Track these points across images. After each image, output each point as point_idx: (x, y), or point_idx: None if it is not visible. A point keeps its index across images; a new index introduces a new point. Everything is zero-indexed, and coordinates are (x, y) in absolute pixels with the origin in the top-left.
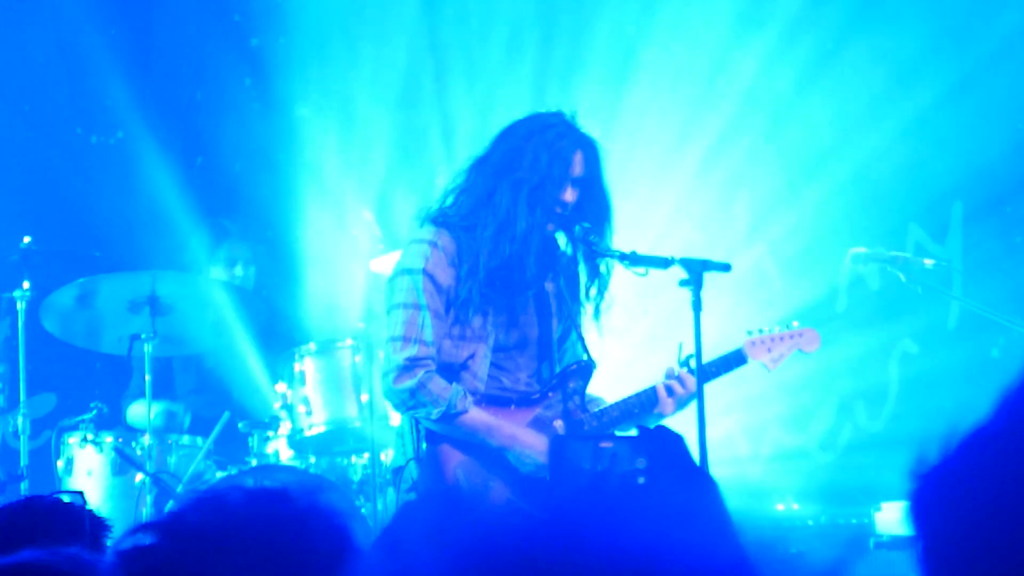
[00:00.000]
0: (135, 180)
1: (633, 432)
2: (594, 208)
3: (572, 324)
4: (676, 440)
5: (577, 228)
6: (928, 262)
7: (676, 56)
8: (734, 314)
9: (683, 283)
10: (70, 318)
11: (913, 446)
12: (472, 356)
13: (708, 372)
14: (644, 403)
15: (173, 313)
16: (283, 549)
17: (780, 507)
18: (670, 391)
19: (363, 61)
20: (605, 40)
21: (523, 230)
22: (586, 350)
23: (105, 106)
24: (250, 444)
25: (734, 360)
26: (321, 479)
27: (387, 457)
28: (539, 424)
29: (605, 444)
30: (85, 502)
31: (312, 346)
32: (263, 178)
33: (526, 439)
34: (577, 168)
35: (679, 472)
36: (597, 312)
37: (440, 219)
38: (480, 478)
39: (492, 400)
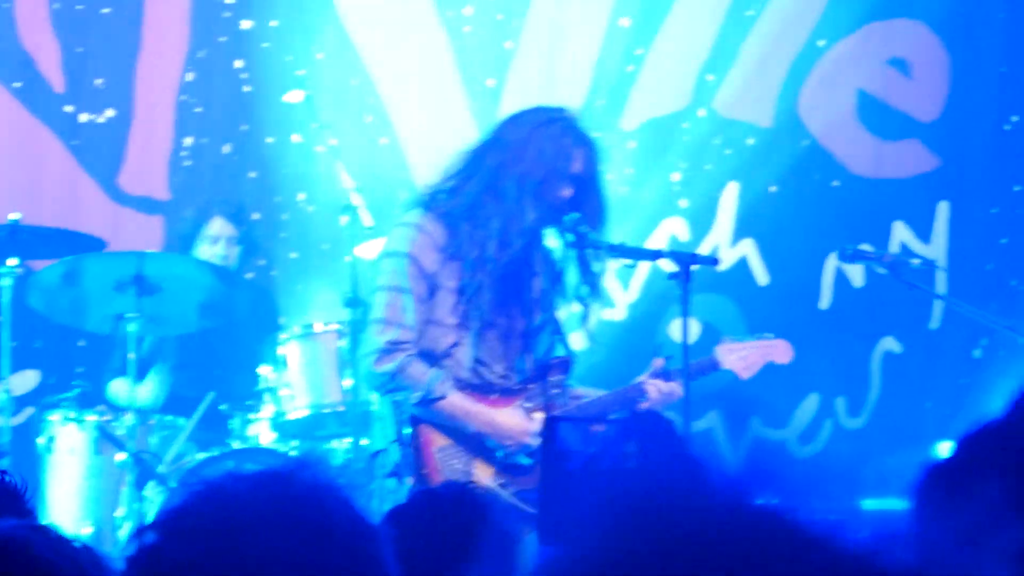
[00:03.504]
0: (124, 159)
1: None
2: (591, 207)
3: (553, 318)
4: (666, 425)
5: (567, 218)
6: (913, 261)
7: (666, 49)
8: (721, 309)
9: (671, 276)
10: (56, 296)
11: (893, 444)
12: (457, 344)
13: (687, 375)
14: (627, 400)
15: (159, 293)
16: (299, 532)
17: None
18: (656, 388)
19: (353, 44)
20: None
21: (531, 224)
22: (566, 345)
23: (95, 83)
24: (232, 426)
25: (708, 366)
26: (309, 456)
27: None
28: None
29: (596, 427)
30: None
31: (297, 329)
32: (252, 161)
33: (505, 423)
34: (577, 165)
35: (669, 456)
36: (586, 310)
37: (430, 204)
38: (461, 462)
39: (475, 388)
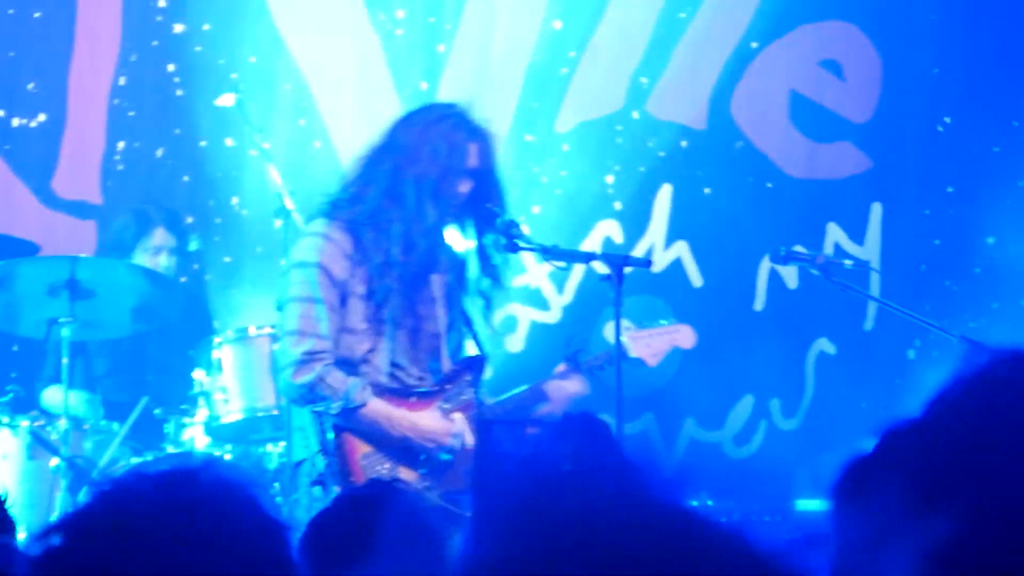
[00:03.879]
0: (57, 163)
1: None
2: (490, 200)
3: (462, 317)
4: (602, 427)
5: (499, 221)
6: (847, 262)
7: (600, 52)
8: (655, 311)
9: (604, 278)
10: None
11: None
12: (372, 350)
13: (592, 366)
14: (529, 403)
15: (93, 298)
16: (201, 532)
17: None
18: (558, 389)
19: (288, 49)
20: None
21: (432, 224)
22: (479, 343)
23: (27, 88)
24: (166, 431)
25: (616, 356)
26: (214, 457)
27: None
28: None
29: (531, 429)
30: None
31: (230, 333)
32: (185, 165)
33: (426, 425)
34: (472, 160)
35: (603, 458)
36: (490, 307)
37: (332, 213)
38: (385, 468)
39: (393, 392)
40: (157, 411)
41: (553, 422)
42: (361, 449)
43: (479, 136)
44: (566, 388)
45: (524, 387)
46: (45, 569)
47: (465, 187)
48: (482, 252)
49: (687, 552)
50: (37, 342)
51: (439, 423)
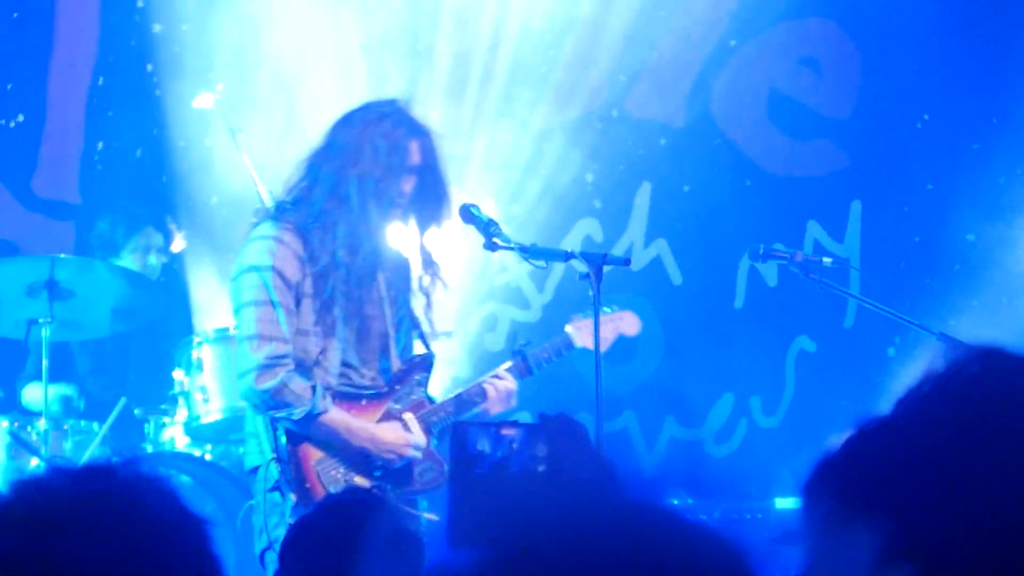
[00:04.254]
0: (35, 164)
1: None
2: (432, 196)
3: (408, 316)
4: (577, 428)
5: (486, 217)
6: (826, 260)
7: (584, 46)
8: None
9: (583, 277)
10: None
11: (808, 442)
12: (323, 351)
13: (540, 360)
14: (470, 401)
15: (72, 298)
16: (114, 525)
17: (676, 502)
18: (495, 388)
19: (266, 49)
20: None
21: (375, 224)
22: (425, 342)
23: (6, 89)
24: (146, 430)
25: (563, 346)
26: (140, 448)
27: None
28: (390, 418)
29: (506, 431)
30: None
31: (210, 333)
32: (164, 165)
33: (385, 438)
34: (414, 157)
35: (579, 459)
36: (430, 305)
37: (279, 216)
38: (340, 473)
39: (344, 396)
40: (137, 411)
41: (529, 424)
42: (315, 455)
43: (419, 133)
44: (500, 387)
45: (469, 385)
46: None
47: (408, 184)
48: (423, 250)
49: (662, 553)
50: (16, 342)
51: (398, 435)
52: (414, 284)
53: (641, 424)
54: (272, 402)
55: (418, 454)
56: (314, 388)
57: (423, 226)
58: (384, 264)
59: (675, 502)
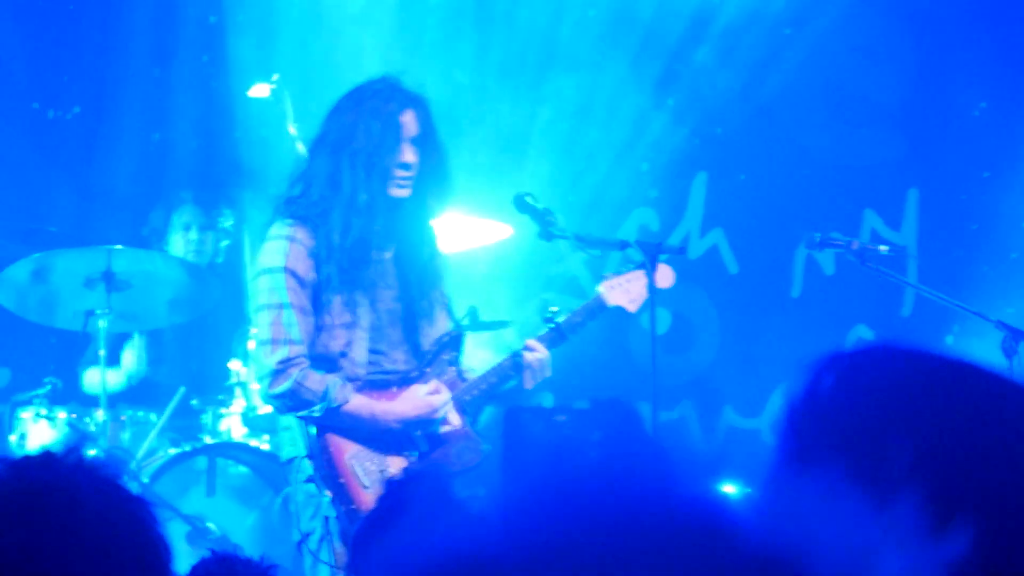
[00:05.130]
0: (92, 155)
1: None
2: (433, 164)
3: (431, 294)
4: (631, 414)
5: (541, 206)
6: (883, 248)
7: (635, 37)
8: (692, 298)
9: (638, 266)
10: (25, 293)
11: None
12: (349, 343)
13: (573, 324)
14: (507, 373)
15: (129, 289)
16: (51, 515)
17: (731, 489)
18: (526, 360)
19: (320, 39)
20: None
21: (365, 202)
22: (453, 319)
23: (63, 81)
24: (203, 421)
25: (596, 308)
26: (85, 435)
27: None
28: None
29: (560, 417)
30: None
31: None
32: (220, 156)
33: (409, 411)
34: (410, 128)
35: (633, 445)
36: (441, 279)
37: (289, 212)
38: (374, 464)
39: (374, 385)
40: (194, 401)
41: (582, 410)
42: (348, 449)
43: (412, 103)
44: (534, 357)
45: (501, 360)
46: None
47: (411, 156)
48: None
49: (712, 541)
50: (75, 334)
51: (419, 402)
52: (432, 264)
53: (699, 413)
54: (290, 403)
55: (444, 404)
56: (330, 381)
57: (429, 198)
58: (392, 243)
59: (733, 491)
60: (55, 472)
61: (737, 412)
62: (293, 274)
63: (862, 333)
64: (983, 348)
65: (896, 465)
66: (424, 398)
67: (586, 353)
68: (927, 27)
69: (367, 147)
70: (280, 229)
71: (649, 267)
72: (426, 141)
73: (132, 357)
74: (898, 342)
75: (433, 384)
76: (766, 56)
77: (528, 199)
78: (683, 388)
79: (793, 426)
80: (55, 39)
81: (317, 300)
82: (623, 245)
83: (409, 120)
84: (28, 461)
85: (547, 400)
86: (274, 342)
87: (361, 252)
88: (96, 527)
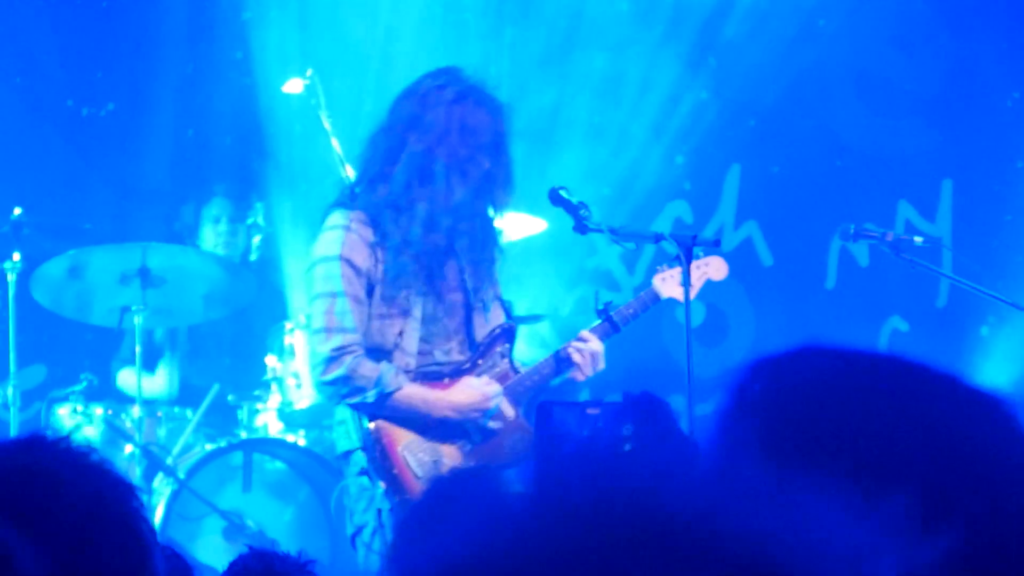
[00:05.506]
0: (126, 152)
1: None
2: (503, 166)
3: (489, 288)
4: (661, 407)
5: (575, 199)
6: (918, 239)
7: (664, 29)
8: (726, 291)
9: (674, 259)
10: (60, 290)
11: None
12: (401, 333)
13: (626, 316)
14: (556, 368)
15: (164, 285)
16: (32, 501)
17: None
18: (582, 352)
19: (355, 33)
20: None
21: (458, 203)
22: (508, 312)
23: (96, 78)
24: (239, 417)
25: (649, 300)
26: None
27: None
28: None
29: (591, 410)
30: None
31: (303, 319)
32: (255, 152)
33: (462, 400)
34: (492, 134)
35: (665, 438)
36: (494, 273)
37: (350, 202)
38: (427, 454)
39: (426, 376)
40: (230, 397)
41: (614, 403)
42: (401, 439)
43: (499, 112)
44: (587, 349)
45: (554, 352)
46: None
47: (488, 163)
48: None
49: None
50: (110, 330)
51: (472, 391)
52: (492, 258)
53: None
54: (343, 390)
55: (497, 400)
56: (384, 368)
57: (494, 202)
58: (463, 240)
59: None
60: (37, 455)
61: None
62: (349, 263)
63: (896, 324)
64: (1018, 338)
65: (829, 467)
66: (478, 388)
67: (620, 346)
68: (960, 17)
69: (461, 149)
70: (337, 219)
71: (685, 260)
72: (501, 148)
73: (164, 376)
74: (822, 342)
75: (486, 377)
76: (799, 48)
77: (562, 192)
78: (718, 381)
79: (722, 435)
80: (89, 37)
81: (371, 290)
82: (658, 238)
83: (493, 125)
84: (12, 444)
85: (582, 394)
86: (328, 330)
87: (434, 246)
88: (77, 511)
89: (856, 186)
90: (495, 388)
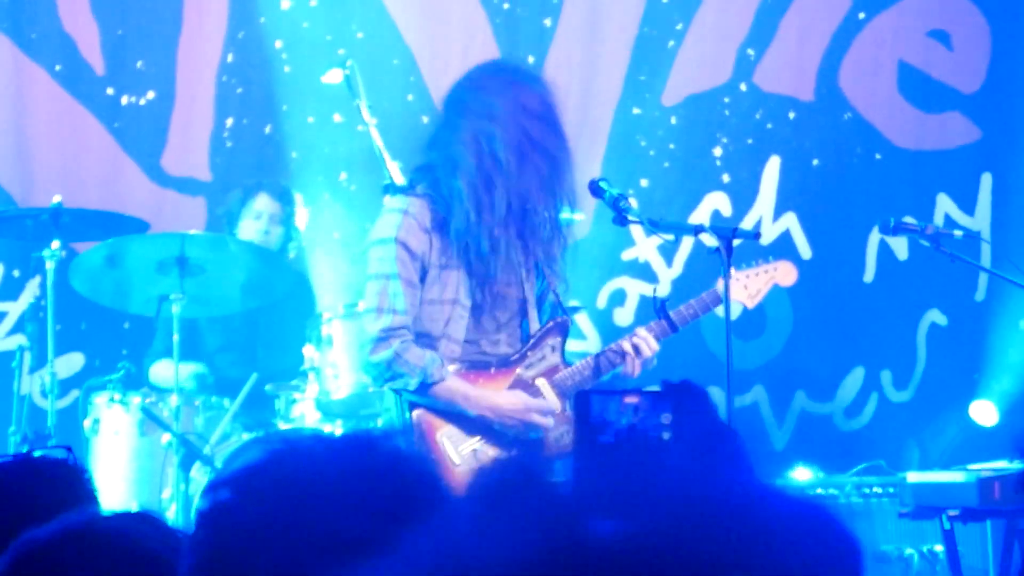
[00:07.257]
0: (165, 141)
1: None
2: (565, 155)
3: (547, 281)
4: (700, 395)
5: (615, 191)
6: (957, 233)
7: (707, 24)
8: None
9: (712, 251)
10: (99, 278)
11: (940, 416)
12: (450, 321)
13: (685, 317)
14: (609, 362)
15: (202, 274)
16: (377, 499)
17: (808, 475)
18: (636, 350)
19: (394, 21)
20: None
21: (527, 191)
22: (563, 307)
23: (136, 67)
24: (277, 407)
25: (711, 301)
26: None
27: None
28: (520, 385)
29: (629, 399)
30: (75, 457)
31: (340, 309)
32: (293, 141)
33: (505, 406)
34: (551, 115)
35: (704, 427)
36: (556, 266)
37: (411, 187)
38: (467, 443)
39: (472, 365)
40: (268, 387)
41: (653, 392)
42: (440, 427)
43: (552, 95)
44: (642, 346)
45: (608, 347)
46: (210, 522)
47: (552, 145)
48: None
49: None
50: (148, 319)
51: (517, 401)
52: (555, 250)
53: (771, 399)
54: (387, 373)
55: (546, 421)
56: (430, 357)
57: (561, 190)
58: (523, 230)
59: (807, 474)
60: (377, 457)
61: (810, 397)
62: (404, 246)
63: (935, 318)
64: None
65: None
66: (523, 398)
67: (663, 340)
68: (1001, 10)
69: (527, 138)
70: (397, 202)
71: (725, 252)
72: (560, 128)
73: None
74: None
75: (543, 403)
76: (839, 40)
77: (602, 184)
78: (756, 373)
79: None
80: (128, 25)
81: (425, 275)
82: (697, 230)
83: (554, 108)
84: (348, 443)
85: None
86: (379, 310)
87: (492, 235)
88: (414, 518)
89: (895, 179)
90: (549, 405)
